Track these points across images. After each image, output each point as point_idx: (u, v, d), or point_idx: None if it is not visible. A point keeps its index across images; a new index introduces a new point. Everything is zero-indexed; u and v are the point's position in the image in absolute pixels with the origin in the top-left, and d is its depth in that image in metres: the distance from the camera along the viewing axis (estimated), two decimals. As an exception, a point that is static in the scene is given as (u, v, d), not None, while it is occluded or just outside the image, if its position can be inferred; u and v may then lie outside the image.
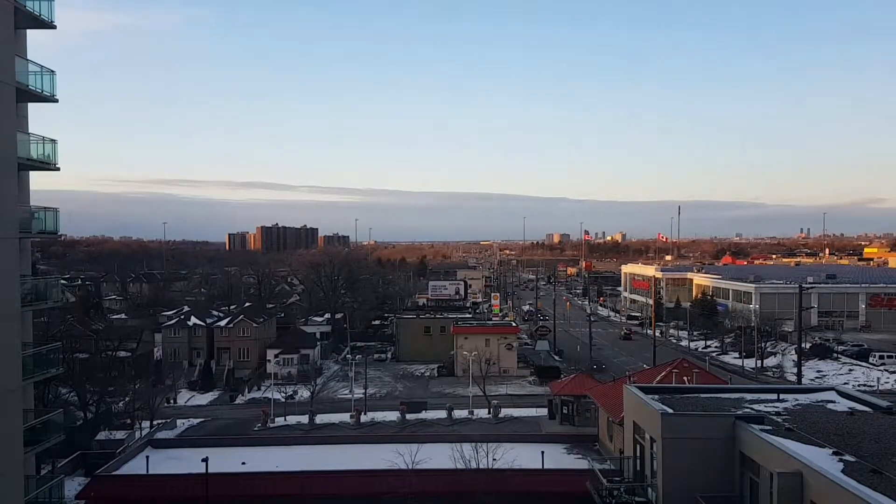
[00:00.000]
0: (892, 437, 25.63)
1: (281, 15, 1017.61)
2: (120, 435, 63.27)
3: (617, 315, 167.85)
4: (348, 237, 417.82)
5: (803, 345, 77.65)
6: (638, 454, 31.51)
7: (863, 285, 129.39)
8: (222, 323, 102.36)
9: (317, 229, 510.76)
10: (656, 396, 31.30)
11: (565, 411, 64.74)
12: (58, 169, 32.21)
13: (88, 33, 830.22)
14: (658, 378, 54.26)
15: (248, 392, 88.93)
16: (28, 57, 30.98)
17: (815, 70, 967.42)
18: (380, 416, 70.05)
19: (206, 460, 43.25)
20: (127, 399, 67.79)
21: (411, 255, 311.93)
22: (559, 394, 65.61)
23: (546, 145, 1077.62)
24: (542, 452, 50.19)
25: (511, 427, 64.28)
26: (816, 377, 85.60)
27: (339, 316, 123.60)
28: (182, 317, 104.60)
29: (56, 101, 31.99)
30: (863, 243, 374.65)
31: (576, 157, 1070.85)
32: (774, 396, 32.97)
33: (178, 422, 70.33)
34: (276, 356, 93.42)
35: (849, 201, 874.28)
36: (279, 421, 69.73)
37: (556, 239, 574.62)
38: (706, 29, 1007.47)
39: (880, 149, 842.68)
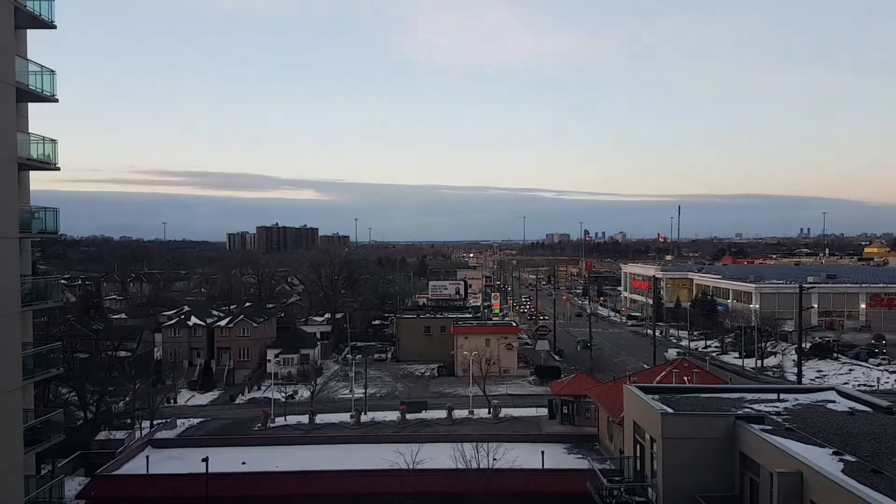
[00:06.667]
0: (893, 437, 25.58)
1: (282, 14, 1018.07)
2: (120, 435, 63.38)
3: (617, 315, 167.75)
4: (348, 237, 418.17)
5: (803, 345, 77.58)
6: (638, 454, 31.47)
7: (863, 285, 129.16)
8: (222, 323, 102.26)
9: (317, 229, 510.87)
10: (656, 396, 31.26)
11: (565, 411, 64.70)
12: (58, 169, 32.14)
13: (89, 33, 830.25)
14: (658, 378, 54.19)
15: (248, 392, 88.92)
16: (28, 57, 30.96)
17: (816, 67, 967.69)
18: (380, 415, 70.05)
19: (206, 460, 43.23)
20: (127, 399, 67.79)
21: (411, 255, 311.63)
22: (559, 394, 65.58)
23: (546, 143, 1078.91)
24: (543, 452, 50.16)
25: (511, 427, 64.26)
26: (816, 377, 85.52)
27: (339, 316, 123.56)
28: (182, 317, 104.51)
29: (56, 100, 31.93)
30: (863, 243, 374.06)
31: (575, 155, 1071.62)
32: (774, 396, 32.90)
33: (178, 422, 70.35)
34: (276, 356, 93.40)
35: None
36: (279, 421, 69.71)
37: (556, 239, 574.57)
38: (702, 27, 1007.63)
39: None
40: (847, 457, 23.00)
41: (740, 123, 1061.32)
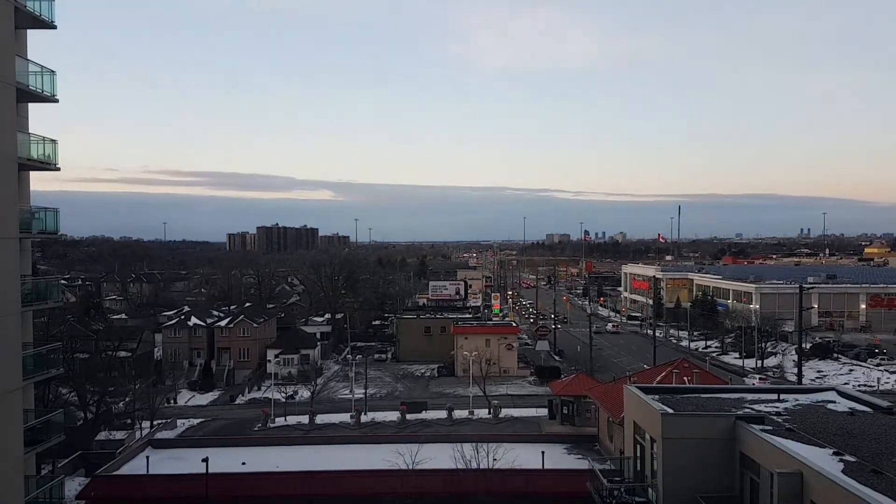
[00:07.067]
0: (893, 438, 25.57)
1: (282, 15, 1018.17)
2: (120, 435, 63.40)
3: (617, 315, 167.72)
4: (348, 237, 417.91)
5: (803, 345, 77.56)
6: (638, 454, 31.45)
7: (863, 285, 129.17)
8: (222, 323, 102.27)
9: (317, 229, 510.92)
10: (656, 396, 31.24)
11: (565, 411, 64.69)
12: (58, 169, 32.15)
13: (89, 32, 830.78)
14: (658, 378, 54.22)
15: (249, 392, 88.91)
16: (28, 57, 30.96)
17: (816, 67, 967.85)
18: (380, 416, 70.05)
19: (206, 460, 43.23)
20: (127, 399, 67.80)
21: (411, 255, 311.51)
22: (559, 394, 65.57)
23: (546, 143, 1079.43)
24: (543, 453, 50.10)
25: (511, 427, 64.24)
26: (817, 377, 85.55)
27: (339, 316, 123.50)
28: (182, 317, 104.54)
29: (56, 101, 31.93)
30: (863, 243, 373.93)
31: (576, 154, 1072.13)
32: (775, 396, 32.90)
33: (179, 422, 70.35)
34: (276, 356, 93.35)
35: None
36: (279, 421, 69.72)
37: (556, 239, 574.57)
38: (703, 28, 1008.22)
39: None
40: (847, 457, 22.99)
41: (740, 123, 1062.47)
